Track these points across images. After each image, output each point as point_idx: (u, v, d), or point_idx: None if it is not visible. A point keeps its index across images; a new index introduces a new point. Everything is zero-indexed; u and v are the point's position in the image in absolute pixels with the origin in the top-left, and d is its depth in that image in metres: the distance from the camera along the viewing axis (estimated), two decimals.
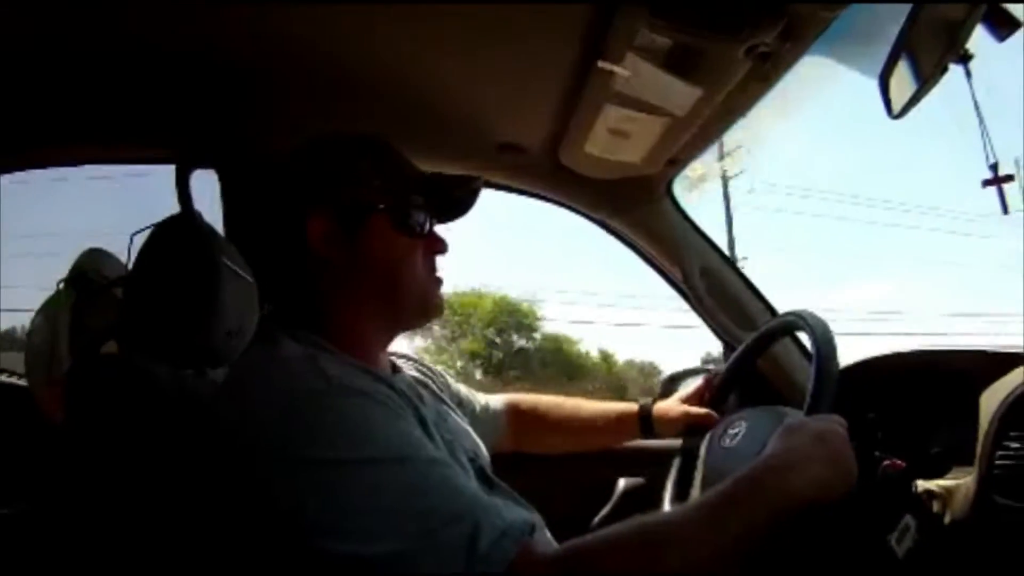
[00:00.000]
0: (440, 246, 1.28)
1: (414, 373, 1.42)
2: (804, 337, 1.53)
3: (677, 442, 1.64)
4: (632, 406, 1.75)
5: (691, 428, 1.61)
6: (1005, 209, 1.15)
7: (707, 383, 1.71)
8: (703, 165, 2.16)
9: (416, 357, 1.51)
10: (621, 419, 1.74)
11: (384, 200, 1.19)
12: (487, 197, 1.47)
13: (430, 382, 1.45)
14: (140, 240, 1.20)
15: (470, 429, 1.41)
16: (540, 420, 1.76)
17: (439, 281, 1.29)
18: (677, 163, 1.81)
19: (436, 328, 16.99)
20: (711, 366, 2.05)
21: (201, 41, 1.35)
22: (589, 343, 20.69)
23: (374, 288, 1.19)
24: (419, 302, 1.25)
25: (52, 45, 1.33)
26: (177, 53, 1.37)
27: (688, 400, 1.70)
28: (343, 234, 1.17)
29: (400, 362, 1.40)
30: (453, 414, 1.40)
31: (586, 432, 1.76)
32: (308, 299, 1.19)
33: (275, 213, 1.22)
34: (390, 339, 1.29)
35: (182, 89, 1.49)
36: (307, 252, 1.17)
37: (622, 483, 1.93)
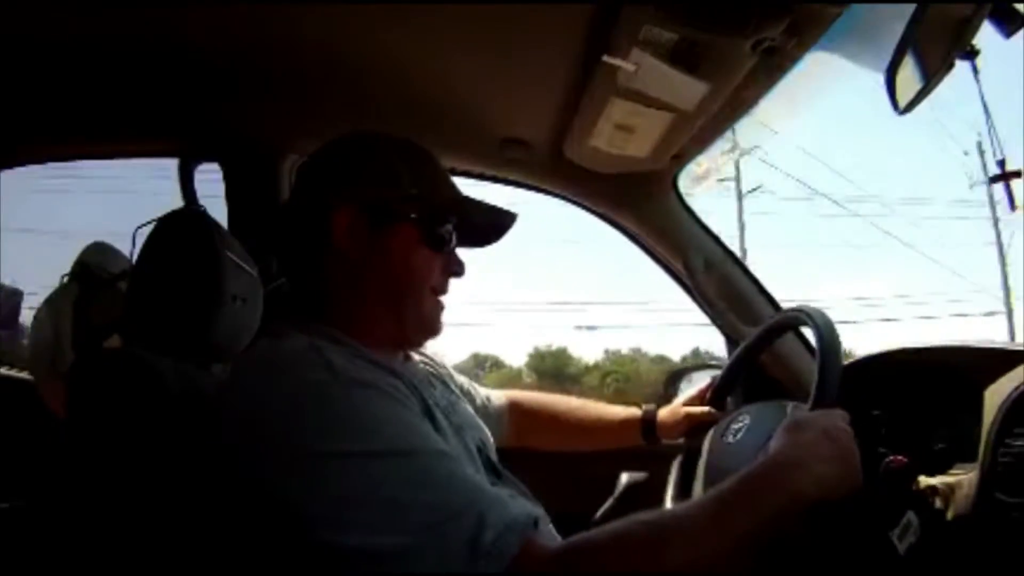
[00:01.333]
0: (458, 268, 1.27)
1: (422, 364, 1.42)
2: (808, 332, 1.53)
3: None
4: (636, 411, 1.75)
5: (694, 428, 1.61)
6: (1012, 205, 1.14)
7: (710, 384, 1.71)
8: (708, 160, 2.16)
9: (419, 350, 1.50)
10: (624, 423, 1.74)
11: (417, 210, 1.19)
12: None
13: (437, 373, 1.45)
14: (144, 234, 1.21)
15: (478, 419, 1.40)
16: (541, 418, 1.76)
17: (442, 306, 1.27)
18: (682, 158, 1.81)
19: None
20: (715, 361, 2.05)
21: (205, 36, 1.35)
22: None
23: (384, 290, 1.18)
24: (421, 316, 1.23)
25: (56, 41, 1.33)
26: (181, 48, 1.37)
27: (690, 402, 1.70)
28: (368, 230, 1.16)
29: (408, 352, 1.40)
30: (461, 404, 1.40)
31: (587, 433, 1.76)
32: (320, 288, 1.19)
33: (304, 199, 1.22)
34: (396, 340, 1.27)
35: (186, 84, 1.49)
36: (326, 241, 1.16)
37: (624, 477, 1.94)
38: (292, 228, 1.22)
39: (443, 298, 1.27)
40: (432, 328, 1.26)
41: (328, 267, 1.18)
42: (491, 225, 1.32)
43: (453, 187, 1.28)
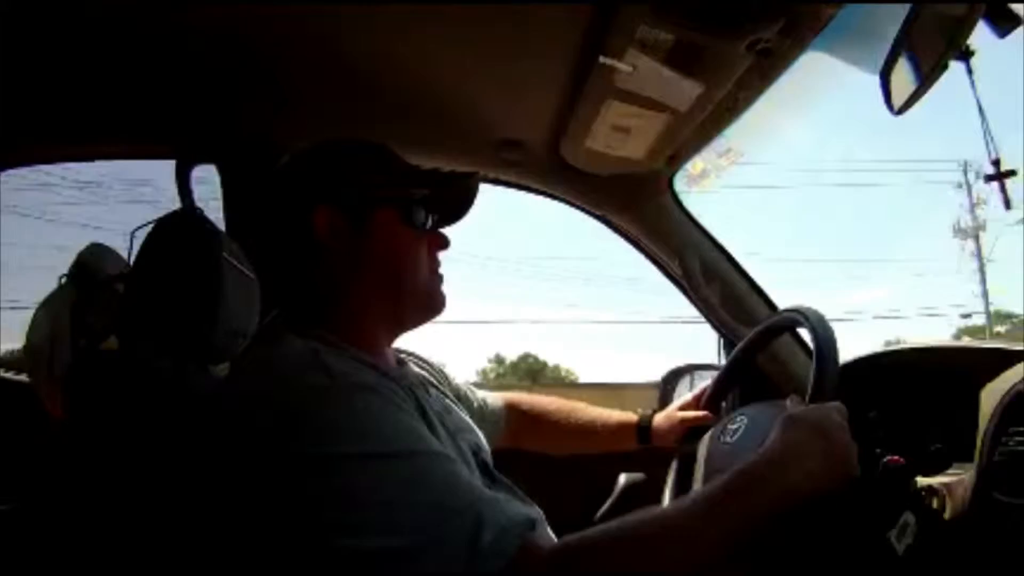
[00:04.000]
0: (443, 242, 1.29)
1: (416, 368, 1.42)
2: (804, 334, 1.54)
3: None
4: (632, 416, 1.75)
5: (690, 432, 1.61)
6: (1007, 205, 1.15)
7: (706, 388, 1.71)
8: (704, 160, 2.16)
9: (416, 352, 1.50)
10: (620, 427, 1.74)
11: (390, 194, 1.21)
12: None
13: (432, 377, 1.45)
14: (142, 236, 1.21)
15: (472, 423, 1.41)
16: (538, 420, 1.76)
17: (441, 277, 1.29)
18: (678, 159, 1.81)
19: None
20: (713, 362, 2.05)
21: (203, 38, 1.35)
22: None
23: (378, 280, 1.20)
24: (422, 296, 1.25)
25: (51, 41, 1.33)
26: (177, 49, 1.37)
27: (686, 406, 1.70)
28: (349, 226, 1.18)
29: (402, 356, 1.40)
30: (456, 408, 1.41)
31: (583, 436, 1.75)
32: (312, 292, 1.19)
33: (281, 205, 1.22)
34: (394, 334, 1.29)
35: (183, 85, 1.49)
36: (312, 244, 1.17)
37: (623, 479, 1.94)
38: (277, 233, 1.22)
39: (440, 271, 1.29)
40: (434, 305, 1.27)
41: (315, 269, 1.19)
42: (461, 195, 1.35)
43: (416, 168, 1.31)
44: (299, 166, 1.25)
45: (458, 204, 1.34)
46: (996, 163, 1.13)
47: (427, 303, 1.26)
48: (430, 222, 1.26)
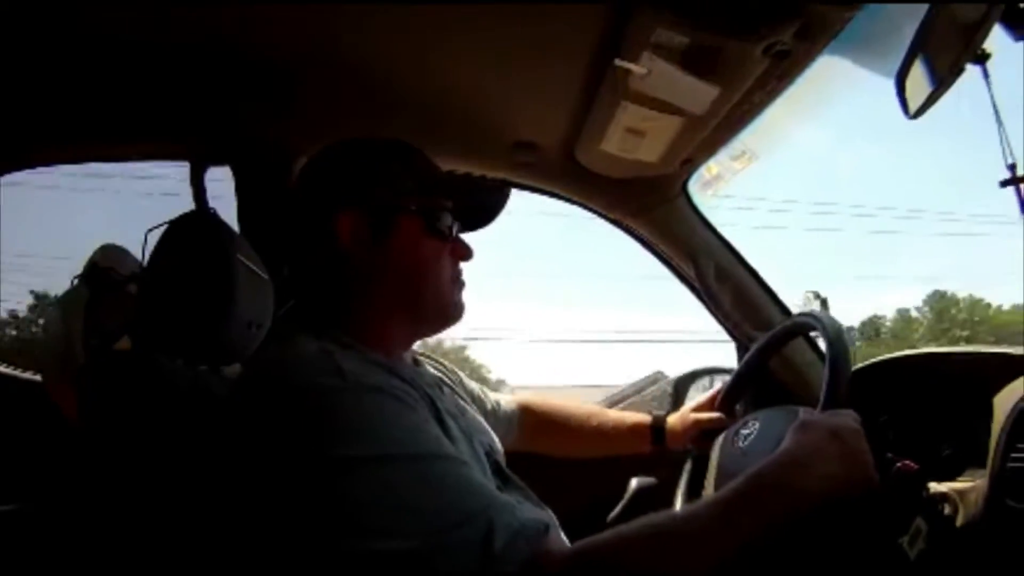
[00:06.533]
0: (465, 252, 1.28)
1: (432, 369, 1.42)
2: (817, 338, 1.53)
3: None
4: (645, 417, 1.75)
5: (704, 434, 1.60)
6: None
7: (720, 389, 1.70)
8: (718, 164, 2.16)
9: (430, 354, 1.50)
10: (633, 430, 1.74)
11: (416, 202, 1.20)
12: None
13: (446, 378, 1.45)
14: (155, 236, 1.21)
15: (486, 424, 1.41)
16: (551, 423, 1.76)
17: (462, 285, 1.28)
18: (693, 162, 1.81)
19: None
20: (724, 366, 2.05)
21: (216, 38, 1.36)
22: None
23: (398, 287, 1.19)
24: (441, 304, 1.24)
25: (68, 42, 1.34)
26: (192, 50, 1.38)
27: (700, 408, 1.70)
28: (372, 232, 1.18)
29: (418, 357, 1.40)
30: (470, 409, 1.41)
31: (596, 439, 1.76)
32: (330, 294, 1.19)
33: (304, 208, 1.22)
34: (411, 340, 1.28)
35: (197, 86, 1.49)
36: (333, 248, 1.17)
37: (634, 483, 1.93)
38: (298, 235, 1.23)
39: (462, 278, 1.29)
40: (453, 313, 1.27)
41: (335, 272, 1.18)
42: (487, 203, 1.35)
43: (444, 175, 1.31)
44: (326, 166, 1.25)
45: (484, 213, 1.34)
46: (1012, 167, 1.13)
47: (446, 312, 1.26)
48: (455, 230, 1.26)
